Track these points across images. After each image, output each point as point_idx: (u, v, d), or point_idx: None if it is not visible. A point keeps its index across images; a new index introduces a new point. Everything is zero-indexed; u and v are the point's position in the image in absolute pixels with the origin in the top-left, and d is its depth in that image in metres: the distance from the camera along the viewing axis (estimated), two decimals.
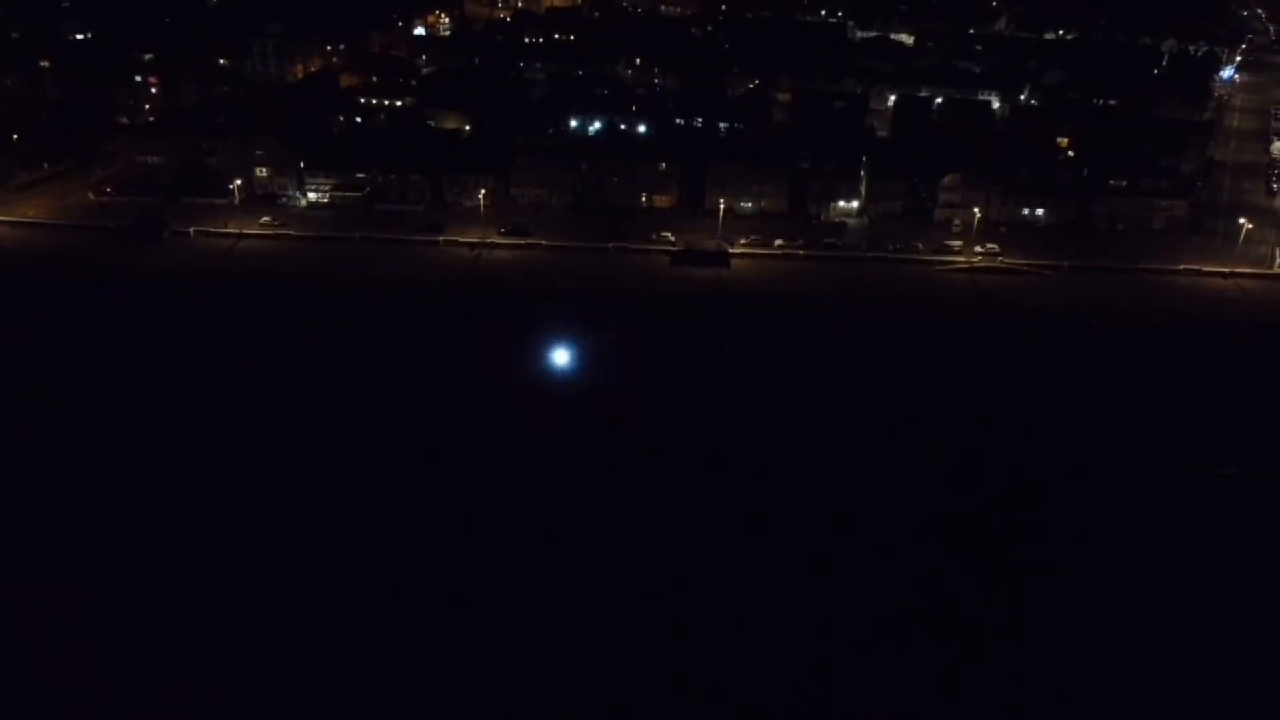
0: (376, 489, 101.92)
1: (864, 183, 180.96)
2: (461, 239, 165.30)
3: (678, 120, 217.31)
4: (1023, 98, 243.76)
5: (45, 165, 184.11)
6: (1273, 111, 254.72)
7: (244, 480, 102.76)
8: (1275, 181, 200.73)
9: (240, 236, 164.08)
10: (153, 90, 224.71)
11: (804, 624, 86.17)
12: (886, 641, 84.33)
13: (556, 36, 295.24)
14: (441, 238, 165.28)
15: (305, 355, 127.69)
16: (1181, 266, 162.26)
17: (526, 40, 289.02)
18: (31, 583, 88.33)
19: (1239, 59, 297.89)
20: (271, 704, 77.95)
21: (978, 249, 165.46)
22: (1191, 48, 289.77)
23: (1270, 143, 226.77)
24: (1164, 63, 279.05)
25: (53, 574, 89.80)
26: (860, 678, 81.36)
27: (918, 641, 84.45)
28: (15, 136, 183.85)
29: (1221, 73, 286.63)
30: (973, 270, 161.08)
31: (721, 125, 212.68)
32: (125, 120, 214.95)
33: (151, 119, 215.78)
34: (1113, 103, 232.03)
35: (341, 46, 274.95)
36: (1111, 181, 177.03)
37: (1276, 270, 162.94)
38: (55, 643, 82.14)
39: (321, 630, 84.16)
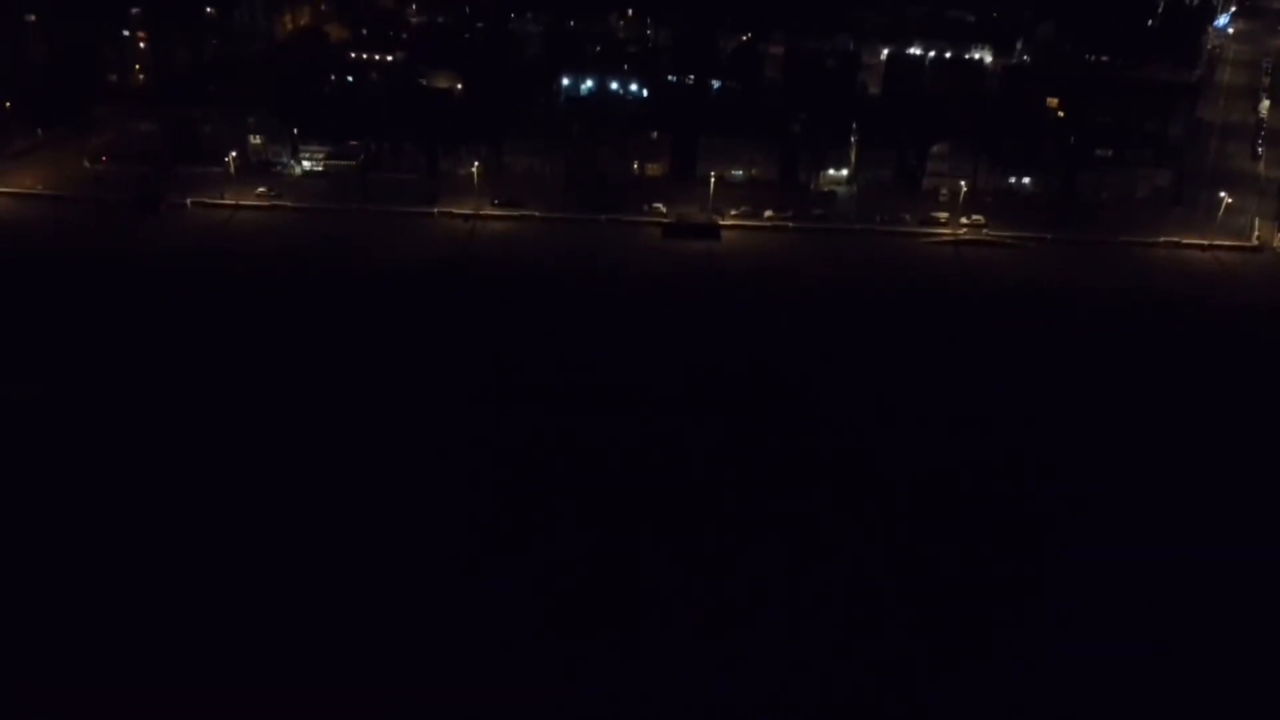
0: (371, 482, 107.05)
1: (853, 149, 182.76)
2: (456, 210, 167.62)
3: (670, 78, 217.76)
4: (1017, 48, 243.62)
5: (39, 132, 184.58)
6: (1264, 65, 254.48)
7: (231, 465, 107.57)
8: (1260, 145, 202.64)
9: (236, 208, 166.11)
10: (141, 46, 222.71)
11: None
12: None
13: None
14: (437, 209, 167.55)
15: (302, 338, 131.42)
16: (1162, 239, 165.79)
17: None
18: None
19: (1234, 7, 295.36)
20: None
21: (963, 220, 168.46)
22: None
23: (1259, 101, 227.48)
24: (1159, 10, 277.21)
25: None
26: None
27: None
28: (8, 104, 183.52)
29: (1216, 20, 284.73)
30: (958, 243, 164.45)
31: (714, 83, 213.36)
32: (114, 78, 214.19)
33: (141, 77, 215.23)
34: (1104, 59, 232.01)
35: None
36: (1097, 152, 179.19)
37: (1255, 242, 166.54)
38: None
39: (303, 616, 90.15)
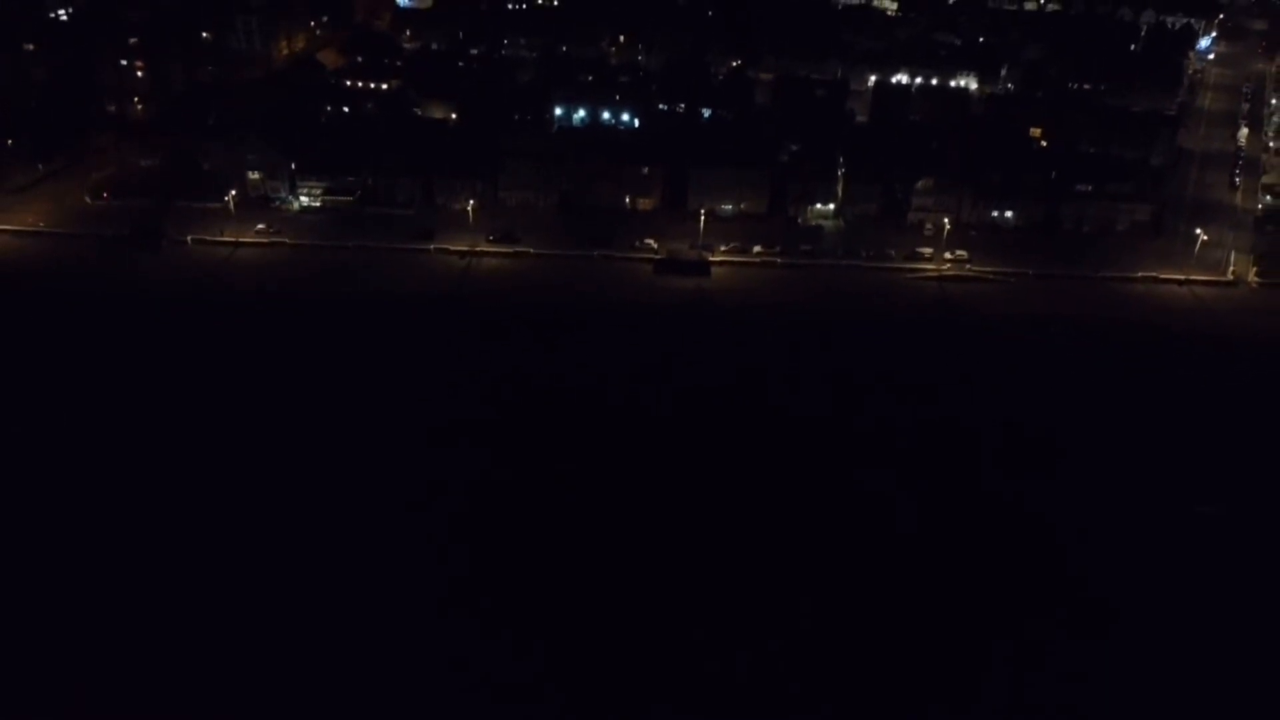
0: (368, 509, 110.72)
1: (841, 182, 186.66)
2: (452, 247, 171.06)
3: (661, 105, 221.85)
4: (1002, 74, 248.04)
5: (40, 166, 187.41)
6: (1244, 90, 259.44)
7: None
8: (1238, 175, 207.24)
9: (236, 245, 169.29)
10: (139, 74, 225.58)
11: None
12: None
13: (540, 1, 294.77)
14: (433, 245, 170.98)
15: (304, 377, 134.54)
16: (1140, 274, 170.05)
17: (510, 6, 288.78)
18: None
19: (1215, 32, 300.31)
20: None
21: (947, 255, 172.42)
22: (1169, 19, 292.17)
23: (1238, 128, 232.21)
24: (1141, 34, 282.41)
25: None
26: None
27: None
28: (10, 141, 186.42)
29: (1199, 44, 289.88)
30: (942, 279, 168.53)
31: (705, 112, 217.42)
32: (113, 108, 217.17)
33: (139, 105, 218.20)
34: (1087, 87, 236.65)
35: (325, 18, 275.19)
36: (1078, 186, 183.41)
37: (1230, 277, 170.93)
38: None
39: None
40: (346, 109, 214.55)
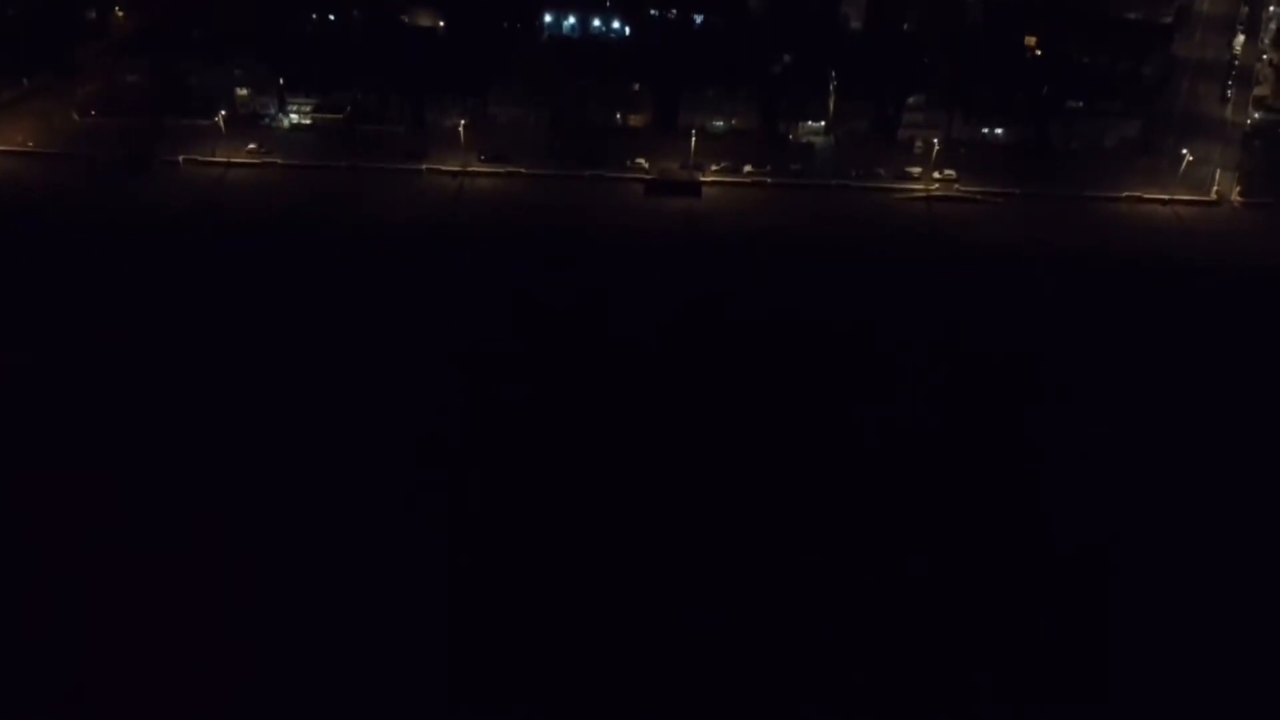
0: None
1: (832, 98, 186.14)
2: (444, 168, 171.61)
3: (653, 11, 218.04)
4: None
5: (24, 81, 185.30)
6: None
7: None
8: (1230, 87, 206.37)
9: (228, 166, 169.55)
10: None
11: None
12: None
13: None
14: (425, 165, 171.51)
15: (300, 307, 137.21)
16: (1124, 194, 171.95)
17: None
18: None
19: None
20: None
21: (935, 175, 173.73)
22: None
23: (1234, 35, 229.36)
24: None
25: None
26: None
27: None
28: None
29: None
30: (930, 199, 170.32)
31: (697, 18, 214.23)
32: (93, 15, 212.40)
33: (121, 14, 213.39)
34: None
35: None
36: (1069, 102, 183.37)
37: (1214, 196, 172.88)
38: None
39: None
40: (332, 16, 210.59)
